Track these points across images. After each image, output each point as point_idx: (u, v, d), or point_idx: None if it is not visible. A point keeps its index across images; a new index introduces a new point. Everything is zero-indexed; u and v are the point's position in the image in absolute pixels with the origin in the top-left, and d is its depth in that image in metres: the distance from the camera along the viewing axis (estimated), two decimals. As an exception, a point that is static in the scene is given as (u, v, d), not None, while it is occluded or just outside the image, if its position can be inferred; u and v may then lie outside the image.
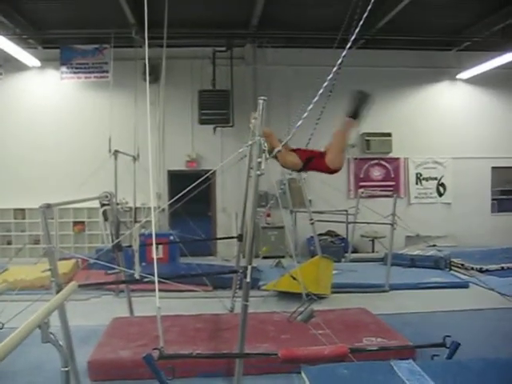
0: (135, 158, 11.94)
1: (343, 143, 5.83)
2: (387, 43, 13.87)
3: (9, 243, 13.99)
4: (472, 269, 11.25)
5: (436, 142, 15.02)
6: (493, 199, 15.53)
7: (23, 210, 13.86)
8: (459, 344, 3.81)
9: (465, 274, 10.93)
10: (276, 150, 4.96)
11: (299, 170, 6.28)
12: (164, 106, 12.58)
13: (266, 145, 4.51)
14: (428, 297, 9.36)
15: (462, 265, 11.52)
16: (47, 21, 12.63)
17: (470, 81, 14.92)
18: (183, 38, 12.99)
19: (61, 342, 3.55)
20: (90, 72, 13.69)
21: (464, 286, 10.11)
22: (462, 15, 12.52)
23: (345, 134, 5.75)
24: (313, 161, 5.80)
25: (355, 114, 5.62)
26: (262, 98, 4.64)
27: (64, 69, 13.63)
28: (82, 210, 13.57)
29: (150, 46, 4.95)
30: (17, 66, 13.46)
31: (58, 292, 4.37)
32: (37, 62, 13.58)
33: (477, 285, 9.91)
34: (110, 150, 11.18)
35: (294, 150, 5.89)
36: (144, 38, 5.09)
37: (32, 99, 14.06)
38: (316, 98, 4.40)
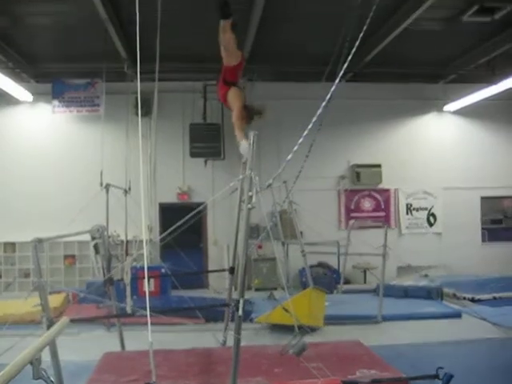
0: (126, 191, 11.95)
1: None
2: (375, 76, 14.10)
3: (-2, 277, 13.86)
4: (464, 298, 11.27)
5: (425, 172, 15.16)
6: (483, 228, 15.63)
7: (13, 243, 13.77)
8: (452, 376, 3.82)
9: (457, 304, 10.94)
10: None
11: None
12: (155, 139, 12.66)
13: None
14: (421, 327, 9.33)
15: (454, 295, 11.53)
16: (40, 55, 12.77)
17: (458, 112, 15.17)
18: (174, 72, 13.14)
19: (52, 379, 3.51)
20: (81, 105, 13.79)
21: (456, 315, 10.10)
22: (448, 48, 12.78)
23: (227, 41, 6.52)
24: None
25: (224, 14, 6.12)
26: (253, 132, 4.71)
27: (56, 102, 13.73)
28: (72, 243, 13.50)
29: (141, 80, 5.00)
30: (8, 100, 13.55)
31: (49, 327, 4.34)
32: (29, 96, 13.67)
33: (469, 314, 9.92)
34: (101, 184, 11.19)
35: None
36: (135, 72, 5.16)
37: (24, 133, 14.12)
38: (305, 132, 4.47)
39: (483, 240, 15.56)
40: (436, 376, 3.87)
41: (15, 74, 12.82)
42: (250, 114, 6.42)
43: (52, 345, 4.49)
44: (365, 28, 5.14)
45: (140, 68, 4.96)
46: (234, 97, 6.51)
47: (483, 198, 15.50)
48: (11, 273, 13.62)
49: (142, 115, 12.12)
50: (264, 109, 6.50)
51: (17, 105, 13.94)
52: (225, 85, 6.65)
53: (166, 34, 9.01)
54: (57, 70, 13.40)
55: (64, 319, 4.10)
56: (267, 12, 9.88)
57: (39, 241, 4.84)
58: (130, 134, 12.97)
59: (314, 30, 11.35)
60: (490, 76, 13.01)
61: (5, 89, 12.47)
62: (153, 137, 12.31)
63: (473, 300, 11.16)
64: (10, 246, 13.87)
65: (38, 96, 13.95)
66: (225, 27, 6.32)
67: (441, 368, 3.85)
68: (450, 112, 15.31)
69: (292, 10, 10.26)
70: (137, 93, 4.95)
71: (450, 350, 7.89)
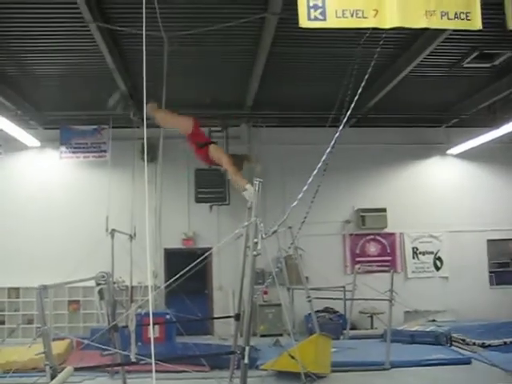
0: (132, 237, 11.97)
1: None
2: (378, 121, 14.26)
3: (1, 323, 13.71)
4: (474, 344, 11.05)
5: (430, 216, 15.14)
6: (490, 272, 15.48)
7: (17, 288, 13.71)
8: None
9: (466, 350, 10.72)
10: None
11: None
12: (161, 185, 12.74)
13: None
14: (430, 374, 9.15)
15: (463, 340, 11.31)
16: (48, 103, 13.00)
17: (460, 156, 15.27)
18: (180, 119, 13.30)
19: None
20: (88, 152, 13.94)
21: (466, 362, 9.90)
22: (449, 93, 12.96)
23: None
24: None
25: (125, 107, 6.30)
26: (258, 179, 4.76)
27: (63, 148, 13.90)
28: (77, 288, 13.41)
29: (147, 127, 5.10)
30: (16, 146, 13.75)
31: (53, 376, 4.30)
32: (36, 142, 13.87)
33: (479, 360, 9.74)
34: (107, 229, 11.22)
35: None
36: (141, 118, 5.28)
37: (31, 178, 14.26)
38: (310, 179, 4.52)
39: (491, 283, 15.39)
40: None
41: (23, 121, 13.03)
42: (237, 161, 6.55)
43: (55, 395, 4.43)
44: (366, 77, 5.25)
45: (146, 115, 5.07)
46: (215, 152, 6.71)
47: (489, 241, 15.40)
48: (15, 319, 13.50)
49: (147, 161, 12.25)
50: (250, 156, 6.67)
51: (25, 150, 14.13)
52: (200, 148, 6.85)
53: (171, 82, 9.20)
54: (64, 117, 13.61)
55: (68, 369, 4.06)
56: (271, 59, 10.09)
57: (44, 287, 4.84)
58: (135, 180, 13.07)
59: (317, 77, 11.56)
60: (491, 120, 13.13)
61: (13, 135, 12.67)
62: (158, 182, 12.38)
63: (483, 345, 10.97)
64: (14, 291, 13.80)
65: (46, 142, 14.15)
66: (150, 112, 6.56)
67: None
68: (453, 155, 15.41)
69: (295, 58, 10.48)
70: (143, 139, 5.04)
71: (459, 397, 7.73)
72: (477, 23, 5.34)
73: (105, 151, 13.68)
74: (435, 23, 5.32)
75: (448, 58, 10.54)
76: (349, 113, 5.32)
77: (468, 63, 10.50)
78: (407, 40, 9.61)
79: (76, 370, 4.47)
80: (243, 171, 6.53)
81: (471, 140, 14.08)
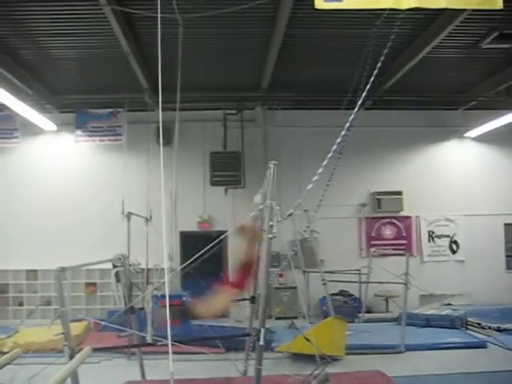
0: (148, 220, 12.05)
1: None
2: (395, 103, 14.12)
3: (20, 304, 13.93)
4: (489, 328, 11.03)
5: (447, 199, 15.02)
6: (507, 256, 15.34)
7: (35, 271, 13.88)
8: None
9: (482, 334, 10.71)
10: None
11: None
12: (176, 168, 12.78)
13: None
14: (445, 358, 9.15)
15: (479, 324, 11.29)
16: (64, 87, 13.05)
17: (478, 139, 15.08)
18: (195, 102, 13.30)
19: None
20: (104, 135, 13.99)
21: (481, 346, 9.88)
22: (467, 75, 12.79)
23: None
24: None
25: None
26: (273, 162, 4.74)
27: (79, 132, 13.96)
28: (94, 271, 13.57)
29: (163, 110, 5.10)
30: (33, 130, 13.82)
31: (71, 357, 4.37)
32: (53, 126, 13.93)
33: (495, 344, 9.72)
34: (123, 212, 11.30)
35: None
36: (157, 102, 5.28)
37: (47, 162, 14.36)
38: (325, 162, 4.49)
39: (507, 268, 15.27)
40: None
41: (40, 105, 13.10)
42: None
43: (74, 375, 4.50)
44: (382, 58, 5.19)
45: (161, 98, 5.06)
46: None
47: (507, 225, 15.26)
48: (33, 300, 13.70)
49: (163, 144, 12.26)
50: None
51: (41, 134, 14.21)
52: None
53: (186, 65, 9.17)
54: (80, 100, 13.65)
55: (86, 349, 4.11)
56: (286, 41, 10.02)
57: (62, 269, 4.90)
58: (151, 163, 13.12)
59: (333, 58, 11.47)
60: (509, 103, 12.95)
61: (30, 119, 12.75)
62: (174, 166, 12.42)
63: (498, 329, 10.93)
64: (32, 274, 13.98)
65: (62, 126, 14.21)
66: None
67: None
68: (470, 138, 15.22)
69: (311, 39, 10.39)
70: (158, 122, 5.04)
71: (474, 381, 7.73)
72: (497, 2, 5.23)
73: (120, 135, 13.72)
74: (454, 3, 5.22)
75: (467, 39, 10.38)
76: (364, 95, 5.27)
77: (487, 44, 10.31)
78: (425, 21, 9.48)
79: (94, 350, 4.53)
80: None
81: (489, 123, 13.87)
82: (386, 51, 5.49)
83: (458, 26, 9.15)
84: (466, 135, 15.13)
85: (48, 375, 3.33)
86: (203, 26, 9.45)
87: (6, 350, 8.68)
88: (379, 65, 5.21)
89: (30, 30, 9.60)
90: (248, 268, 6.40)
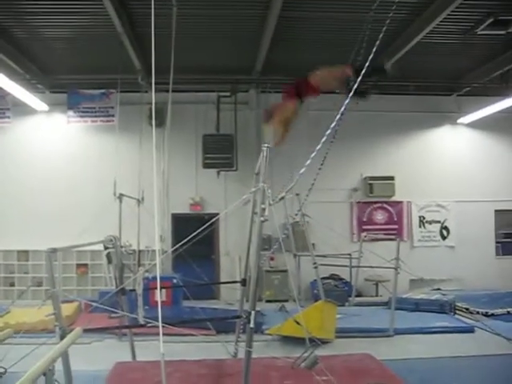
0: (139, 202, 12.02)
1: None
2: (389, 88, 14.07)
3: (11, 285, 13.94)
4: (477, 313, 11.14)
5: (439, 185, 15.09)
6: (497, 242, 15.48)
7: (27, 251, 13.87)
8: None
9: (470, 319, 10.81)
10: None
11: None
12: (169, 150, 12.73)
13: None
14: (433, 342, 9.24)
15: (467, 309, 11.41)
16: (56, 66, 12.95)
17: (471, 125, 15.11)
18: (188, 84, 13.23)
19: (64, 389, 3.54)
20: (96, 116, 13.92)
21: (469, 330, 9.98)
22: (461, 61, 12.78)
23: None
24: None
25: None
26: (266, 145, 4.73)
27: (71, 113, 13.88)
28: (85, 252, 13.57)
29: (156, 91, 5.07)
30: (25, 111, 13.71)
31: (62, 337, 4.37)
32: (45, 107, 13.83)
33: (482, 329, 9.81)
34: (114, 194, 11.26)
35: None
36: (150, 83, 5.24)
37: (39, 142, 14.27)
38: (319, 146, 4.48)
39: (497, 254, 15.41)
40: (448, 392, 3.81)
41: (31, 84, 12.99)
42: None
43: (65, 355, 4.51)
44: (377, 43, 5.16)
45: (154, 79, 5.03)
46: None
47: (497, 211, 15.37)
48: (24, 281, 13.70)
49: (155, 126, 12.21)
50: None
51: (33, 114, 14.10)
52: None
53: (180, 46, 9.10)
54: (72, 80, 13.57)
55: (77, 330, 4.12)
56: (281, 23, 9.95)
57: (53, 251, 4.89)
58: (143, 145, 13.08)
59: (327, 42, 11.43)
60: (503, 89, 12.97)
61: (22, 99, 12.64)
62: (166, 147, 12.38)
63: (486, 314, 11.04)
64: (24, 254, 13.97)
65: (54, 106, 14.11)
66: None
67: (453, 384, 3.79)
68: (463, 125, 15.25)
69: (305, 22, 10.33)
70: (151, 103, 5.01)
71: (462, 365, 7.81)
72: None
73: (113, 115, 13.64)
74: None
75: (462, 25, 10.36)
76: (359, 79, 5.23)
77: (482, 30, 10.29)
78: (420, 6, 9.45)
79: (85, 331, 4.54)
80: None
81: (482, 109, 13.89)
82: (381, 35, 5.44)
83: (453, 11, 9.13)
84: (459, 121, 15.16)
85: (39, 355, 3.33)
86: (197, 7, 9.37)
87: (-4, 330, 8.72)
88: (374, 49, 5.16)
89: (22, 8, 9.49)
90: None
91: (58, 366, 4.13)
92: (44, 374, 3.07)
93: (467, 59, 12.63)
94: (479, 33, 10.46)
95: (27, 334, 5.78)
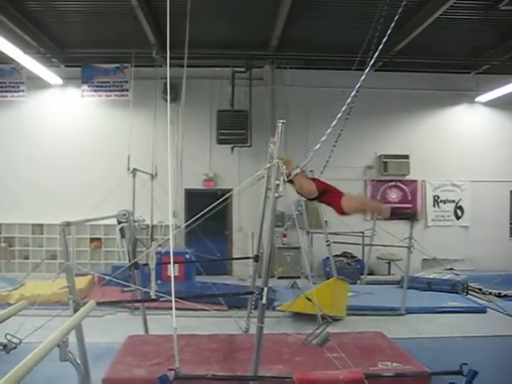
0: (153, 176, 12.04)
1: (364, 207, 6.00)
2: (405, 65, 13.91)
3: (26, 258, 14.11)
4: (490, 294, 11.12)
5: (454, 164, 14.95)
6: (511, 223, 15.35)
7: (41, 225, 14.01)
8: (476, 372, 3.74)
9: (482, 299, 10.78)
10: (294, 172, 4.99)
11: (312, 199, 6.21)
12: (183, 125, 12.70)
13: (284, 168, 4.55)
14: (445, 321, 9.24)
15: (480, 289, 11.38)
16: (70, 40, 12.90)
17: (489, 104, 14.88)
18: (203, 59, 13.13)
19: (78, 361, 3.57)
20: (110, 90, 13.86)
21: (481, 311, 9.97)
22: (480, 39, 12.53)
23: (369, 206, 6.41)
24: (328, 194, 5.83)
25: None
26: (281, 121, 4.68)
27: (85, 87, 13.84)
28: (98, 226, 13.68)
29: (170, 66, 5.01)
30: (39, 84, 13.70)
31: (75, 310, 4.41)
32: (59, 80, 13.81)
33: (495, 310, 9.79)
34: (128, 168, 11.27)
35: (312, 179, 5.91)
36: (164, 57, 5.18)
37: (53, 116, 14.30)
38: (334, 123, 4.42)
39: (511, 235, 15.30)
40: (460, 372, 3.79)
41: (46, 58, 12.97)
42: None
43: (78, 328, 4.56)
44: (396, 18, 5.06)
45: (169, 54, 4.98)
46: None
47: (512, 192, 15.24)
48: (39, 254, 13.86)
49: (170, 101, 12.16)
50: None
51: (47, 88, 14.10)
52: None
53: (195, 21, 9.01)
54: (86, 54, 13.51)
55: (91, 303, 4.15)
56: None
57: (67, 224, 4.90)
58: (157, 120, 13.08)
59: (344, 17, 11.27)
60: (523, 67, 12.74)
61: (36, 72, 12.63)
62: (180, 123, 12.34)
63: (499, 295, 11.02)
64: (38, 228, 14.11)
65: (68, 80, 14.08)
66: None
67: (465, 364, 3.77)
68: (481, 103, 15.02)
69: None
70: (165, 78, 4.97)
71: (474, 345, 7.81)
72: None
73: (127, 90, 13.58)
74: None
75: (484, 0, 10.11)
76: (376, 55, 5.14)
77: (505, 5, 10.03)
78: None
79: (98, 304, 4.57)
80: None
81: (501, 88, 13.63)
82: (400, 10, 5.33)
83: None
84: (476, 100, 14.93)
85: (53, 327, 3.36)
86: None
87: (12, 302, 8.84)
88: (393, 25, 5.06)
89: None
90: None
91: (72, 337, 4.17)
92: (58, 346, 3.10)
93: (488, 36, 12.37)
94: (502, 8, 10.21)
95: (41, 306, 5.82)
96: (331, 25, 11.67)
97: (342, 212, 5.84)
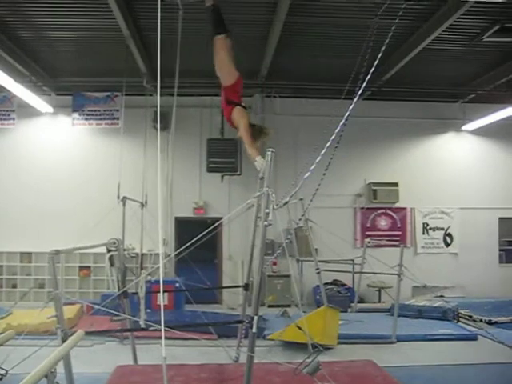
0: (143, 205, 12.02)
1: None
2: (393, 94, 14.11)
3: (14, 286, 13.93)
4: (481, 321, 11.12)
5: (443, 192, 15.06)
6: (500, 250, 15.41)
7: (30, 253, 13.87)
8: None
9: (473, 326, 10.77)
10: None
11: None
12: (173, 154, 12.75)
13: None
14: (436, 349, 9.22)
15: (471, 316, 11.38)
16: (61, 69, 12.97)
17: (476, 132, 15.08)
18: (193, 88, 13.21)
19: (66, 392, 3.53)
20: (101, 119, 13.93)
21: (472, 338, 9.96)
22: (467, 68, 12.74)
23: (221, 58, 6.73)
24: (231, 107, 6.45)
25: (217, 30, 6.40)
26: (271, 149, 4.73)
27: (76, 115, 13.90)
28: (88, 255, 13.56)
29: (160, 95, 5.08)
30: (30, 112, 13.74)
31: (63, 339, 4.37)
32: (49, 109, 13.86)
33: (486, 337, 9.77)
34: (118, 196, 11.24)
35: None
36: (154, 86, 5.25)
37: (43, 144, 14.30)
38: (324, 151, 4.48)
39: (500, 261, 15.35)
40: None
41: (37, 87, 13.02)
42: (255, 132, 6.35)
43: (66, 358, 4.51)
44: (383, 48, 5.16)
45: (160, 83, 5.04)
46: (237, 114, 6.45)
47: (501, 219, 15.32)
48: (27, 283, 13.71)
49: (160, 129, 12.23)
50: (268, 129, 6.46)
51: (38, 116, 14.13)
52: (228, 105, 6.60)
53: (186, 50, 9.10)
54: (77, 83, 13.58)
55: (79, 332, 4.12)
56: (286, 29, 9.96)
57: (57, 252, 4.88)
58: (147, 148, 13.12)
59: (333, 47, 11.42)
60: (509, 96, 12.93)
61: (27, 101, 12.68)
62: (170, 151, 12.39)
63: (490, 322, 11.02)
64: (26, 256, 13.97)
65: (59, 108, 14.13)
66: (218, 44, 6.32)
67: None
68: (468, 132, 15.22)
69: (311, 28, 10.33)
70: (155, 106, 5.02)
71: (465, 373, 7.79)
72: (499, -5, 5.19)
73: (117, 118, 13.67)
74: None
75: (468, 32, 10.32)
76: (364, 85, 5.23)
77: (488, 37, 10.25)
78: (426, 12, 9.43)
79: (86, 334, 4.53)
80: (259, 143, 6.36)
81: (487, 116, 13.84)
82: (387, 41, 5.45)
83: (459, 18, 9.10)
84: (463, 128, 15.13)
85: (41, 357, 3.32)
86: (203, 11, 9.34)
87: (-2, 332, 8.73)
88: (380, 55, 5.17)
89: (28, 10, 9.50)
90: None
91: (60, 368, 4.13)
92: (46, 377, 3.06)
93: (473, 66, 12.59)
94: (485, 40, 10.43)
95: (29, 336, 5.77)
96: (320, 55, 11.82)
97: (228, 119, 6.54)
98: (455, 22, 9.30)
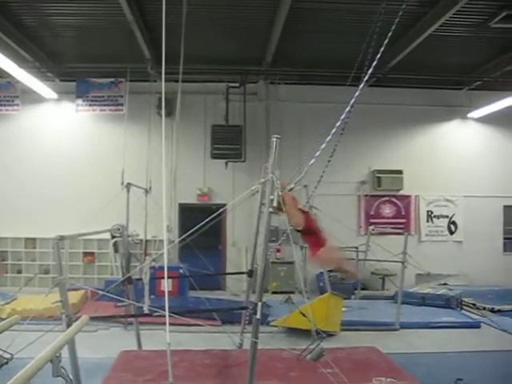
0: (147, 191, 12.02)
1: (337, 266, 5.93)
2: (399, 81, 14.01)
3: (19, 272, 14.01)
4: (484, 309, 11.12)
5: (447, 179, 15.00)
6: (505, 238, 15.38)
7: (34, 239, 13.94)
8: (471, 387, 3.74)
9: (476, 314, 10.79)
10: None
11: (296, 230, 5.92)
12: (177, 140, 12.72)
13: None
14: (439, 336, 9.23)
15: (474, 304, 11.38)
16: (65, 55, 12.93)
17: (481, 120, 14.98)
18: (198, 74, 13.18)
19: (70, 376, 3.54)
20: (105, 105, 13.88)
21: (475, 326, 9.97)
22: (473, 55, 12.64)
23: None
24: (310, 236, 5.87)
25: None
26: (276, 136, 4.70)
27: (80, 101, 13.86)
28: (92, 241, 13.61)
29: (165, 81, 5.04)
30: (34, 98, 13.72)
31: (68, 325, 4.38)
32: (53, 95, 13.83)
33: (489, 325, 9.78)
34: (122, 183, 11.25)
35: (303, 212, 5.79)
36: (159, 72, 5.22)
37: (47, 130, 14.30)
38: (329, 138, 4.45)
39: (505, 250, 15.32)
40: (455, 387, 3.79)
41: (41, 72, 12.99)
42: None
43: (71, 343, 4.52)
44: (390, 34, 5.11)
45: (164, 69, 5.00)
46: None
47: (506, 207, 15.27)
48: (31, 268, 13.78)
49: (164, 116, 12.19)
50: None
51: (42, 102, 14.11)
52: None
53: (190, 36, 9.05)
54: (81, 69, 13.53)
55: (84, 317, 4.13)
56: (292, 14, 9.88)
57: (61, 238, 4.89)
58: (151, 134, 13.10)
59: (338, 33, 11.34)
60: (515, 84, 12.86)
61: (31, 86, 12.65)
62: (174, 137, 12.36)
63: (493, 310, 11.02)
64: (31, 242, 14.03)
65: (63, 95, 14.11)
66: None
67: (460, 380, 3.77)
68: (473, 119, 15.13)
69: (317, 13, 10.25)
70: (159, 93, 4.99)
71: (468, 360, 7.79)
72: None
73: (121, 105, 13.62)
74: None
75: (475, 18, 10.23)
76: (370, 71, 5.18)
77: (495, 23, 10.16)
78: (433, -2, 9.34)
79: (91, 319, 4.55)
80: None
81: (493, 104, 13.75)
82: (393, 27, 5.39)
83: (466, 3, 9.02)
84: (469, 116, 15.03)
85: (46, 342, 3.33)
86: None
87: (4, 317, 8.77)
88: (386, 41, 5.11)
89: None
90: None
91: (65, 353, 4.14)
92: (51, 361, 3.07)
93: (479, 53, 12.49)
94: (493, 26, 10.33)
95: (34, 321, 5.79)
96: (325, 41, 11.75)
97: (313, 258, 5.78)
98: (462, 8, 9.21)
